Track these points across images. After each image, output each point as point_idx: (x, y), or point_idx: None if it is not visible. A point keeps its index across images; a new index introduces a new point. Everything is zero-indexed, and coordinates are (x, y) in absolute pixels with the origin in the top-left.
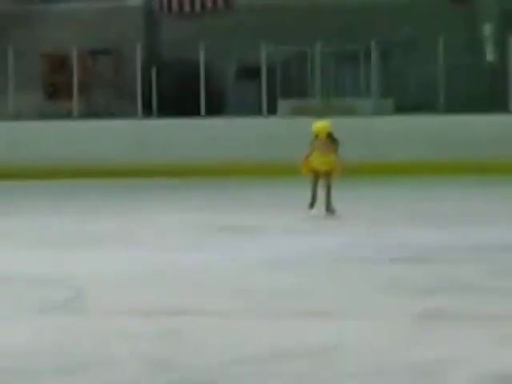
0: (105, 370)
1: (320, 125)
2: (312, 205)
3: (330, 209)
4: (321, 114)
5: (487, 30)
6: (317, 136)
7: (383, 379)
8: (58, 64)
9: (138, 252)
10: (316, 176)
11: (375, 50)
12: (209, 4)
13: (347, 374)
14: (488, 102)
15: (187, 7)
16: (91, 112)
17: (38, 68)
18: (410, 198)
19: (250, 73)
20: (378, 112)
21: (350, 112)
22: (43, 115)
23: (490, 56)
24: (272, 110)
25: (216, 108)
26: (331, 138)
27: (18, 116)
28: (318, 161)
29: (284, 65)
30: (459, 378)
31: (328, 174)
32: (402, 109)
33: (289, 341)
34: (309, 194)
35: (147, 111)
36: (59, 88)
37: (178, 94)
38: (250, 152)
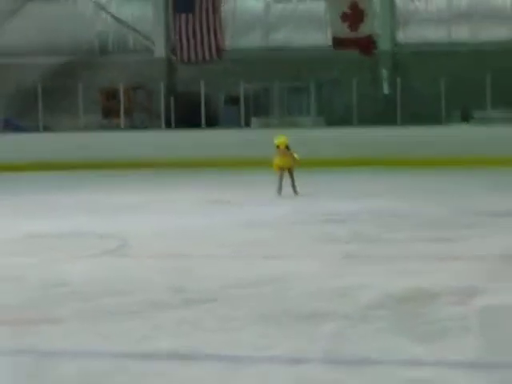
0: (139, 292)
1: (280, 139)
2: (279, 191)
3: (295, 191)
4: (278, 126)
5: (384, 73)
6: (278, 147)
7: (316, 298)
8: (111, 95)
9: (162, 215)
10: (281, 171)
11: (313, 85)
12: (207, 56)
13: (293, 295)
14: (384, 119)
15: (193, 58)
16: (132, 126)
17: (98, 97)
18: (334, 181)
19: (233, 100)
20: (314, 126)
21: (297, 126)
22: (102, 128)
23: (386, 89)
24: (247, 124)
25: (212, 123)
26: (287, 148)
27: (85, 128)
28: (282, 162)
29: (255, 95)
30: (367, 297)
31: (290, 169)
32: (330, 123)
33: (257, 274)
34: (276, 183)
35: (168, 125)
36: (111, 110)
37: (188, 114)
38: (233, 152)
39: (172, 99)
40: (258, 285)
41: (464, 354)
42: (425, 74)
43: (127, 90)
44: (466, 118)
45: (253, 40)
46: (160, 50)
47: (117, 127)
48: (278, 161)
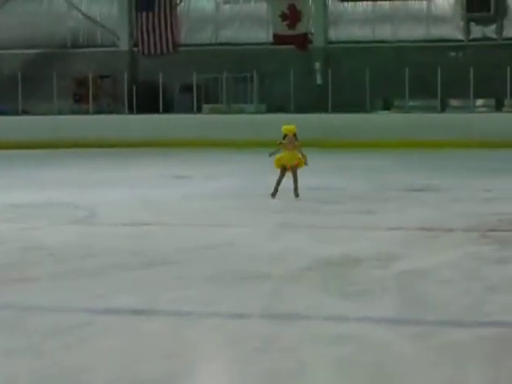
0: (106, 256)
1: (288, 127)
2: (274, 194)
3: (297, 193)
4: (226, 112)
5: (317, 65)
6: (285, 136)
7: (256, 261)
8: (82, 83)
9: (126, 189)
10: (283, 170)
11: (256, 76)
12: (164, 50)
13: (236, 258)
14: (317, 106)
15: (153, 51)
16: (99, 110)
17: (69, 85)
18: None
19: (187, 89)
20: (257, 112)
21: (242, 112)
22: (73, 112)
23: (318, 80)
24: (199, 110)
25: (168, 108)
26: (296, 137)
27: (58, 112)
28: (288, 158)
29: (206, 84)
30: (300, 260)
31: (294, 168)
32: (270, 110)
33: (206, 240)
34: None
35: (130, 110)
36: (81, 97)
37: (148, 100)
38: (188, 133)
39: (134, 87)
40: (206, 249)
41: (384, 311)
42: (352, 67)
43: (95, 78)
44: (387, 106)
45: (204, 36)
46: (124, 44)
47: (86, 111)
48: (283, 156)
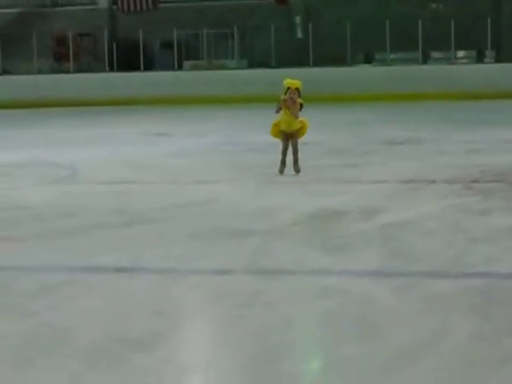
0: (88, 215)
1: (292, 80)
2: (282, 170)
3: (297, 168)
4: (207, 68)
5: (297, 19)
6: (287, 90)
7: (240, 217)
8: (62, 42)
9: (108, 147)
10: (286, 138)
11: (236, 31)
12: (144, 7)
13: (220, 215)
14: (298, 60)
15: (132, 8)
16: (80, 69)
17: (50, 44)
18: (254, 116)
19: (167, 46)
20: (238, 67)
21: (223, 68)
22: (53, 71)
23: (299, 34)
24: (180, 67)
25: (149, 66)
26: (298, 93)
27: (39, 71)
28: (286, 122)
29: (186, 41)
30: (284, 216)
31: (295, 135)
32: (251, 66)
33: (189, 197)
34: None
35: (111, 68)
36: (62, 55)
37: (128, 58)
38: (169, 90)
39: (114, 45)
40: (189, 207)
41: (368, 264)
42: (333, 20)
43: (75, 37)
44: (368, 59)
45: None
46: (103, 2)
47: (67, 70)
48: (281, 120)
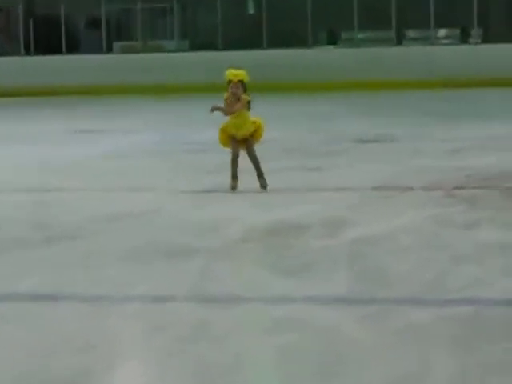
0: (2, 230)
1: (235, 71)
2: (234, 186)
3: (263, 183)
4: (142, 51)
5: None
6: (229, 83)
7: (181, 232)
8: None
9: (24, 148)
10: (237, 145)
11: (177, 7)
12: None
13: (158, 229)
14: (250, 41)
15: None
16: None
17: None
18: (196, 108)
19: (94, 23)
20: (178, 50)
21: (160, 50)
22: None
23: (251, 9)
24: (109, 49)
25: (72, 48)
26: (244, 88)
27: None
28: (235, 125)
29: (117, 18)
30: (233, 230)
31: (248, 142)
32: (194, 48)
33: (121, 207)
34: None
35: (27, 50)
36: None
37: (47, 38)
38: (95, 78)
39: (31, 22)
40: (121, 219)
41: (332, 289)
42: None
43: None
44: (333, 39)
45: None
46: None
47: None
48: (229, 123)
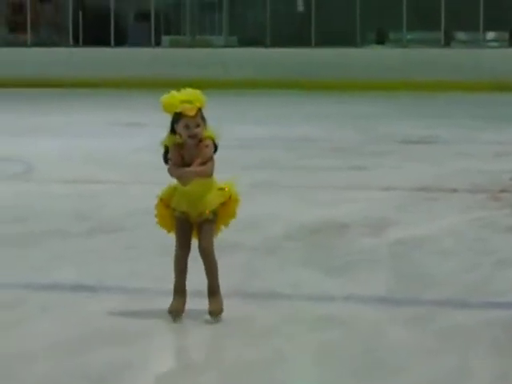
0: (43, 220)
1: (186, 94)
2: (177, 311)
3: (215, 307)
4: (190, 46)
5: None
6: (177, 118)
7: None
8: (18, 8)
9: (69, 139)
10: (185, 234)
11: (226, 2)
12: None
13: None
14: (298, 39)
15: None
16: (39, 42)
17: (4, 11)
18: (244, 104)
19: (143, 17)
20: (227, 46)
21: (208, 45)
22: (7, 43)
23: (300, 7)
24: (158, 43)
25: (121, 40)
26: (203, 120)
27: None
28: (187, 195)
29: (166, 12)
30: (277, 228)
31: (204, 226)
32: (242, 44)
33: None
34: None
35: (76, 42)
36: (18, 25)
37: (96, 31)
38: (144, 71)
39: (80, 14)
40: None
41: (375, 289)
42: None
43: (34, 3)
44: (381, 39)
45: None
46: None
47: (23, 43)
48: (177, 191)
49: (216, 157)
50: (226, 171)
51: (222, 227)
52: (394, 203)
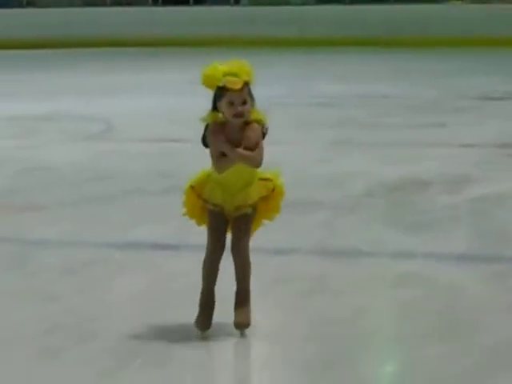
0: (124, 179)
1: (231, 66)
2: (204, 325)
3: (242, 319)
4: (268, 4)
5: None
6: (220, 93)
7: (304, 186)
8: None
9: (149, 98)
10: (219, 230)
11: None
12: None
13: (284, 182)
14: None
15: None
16: (117, 1)
17: None
18: (323, 62)
19: None
20: (304, 3)
21: (287, 3)
22: (86, 3)
23: None
24: (237, 2)
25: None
26: (250, 95)
27: (70, 4)
28: (222, 183)
29: None
30: (356, 185)
31: (240, 222)
32: (320, 1)
33: None
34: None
35: (154, 1)
36: None
37: None
38: (223, 30)
39: None
40: None
41: (456, 247)
42: None
43: None
44: None
45: None
46: None
47: (102, 3)
48: (212, 179)
49: (293, 116)
50: (304, 129)
51: (266, 222)
52: (474, 160)
